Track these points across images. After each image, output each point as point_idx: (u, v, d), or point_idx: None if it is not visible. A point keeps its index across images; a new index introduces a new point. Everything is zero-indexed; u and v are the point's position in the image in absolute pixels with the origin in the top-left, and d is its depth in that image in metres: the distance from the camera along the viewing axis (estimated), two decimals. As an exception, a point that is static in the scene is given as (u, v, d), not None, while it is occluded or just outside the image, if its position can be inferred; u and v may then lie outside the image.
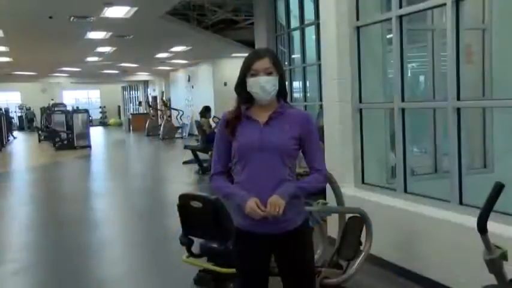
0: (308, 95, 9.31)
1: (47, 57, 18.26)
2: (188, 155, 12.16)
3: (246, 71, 2.38)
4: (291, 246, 2.41)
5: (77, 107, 24.62)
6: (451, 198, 3.96)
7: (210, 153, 10.80)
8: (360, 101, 5.01)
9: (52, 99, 31.51)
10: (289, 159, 2.38)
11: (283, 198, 2.29)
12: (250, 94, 2.39)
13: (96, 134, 25.30)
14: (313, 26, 8.34)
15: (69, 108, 22.38)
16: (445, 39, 4.05)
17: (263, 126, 2.39)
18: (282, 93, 2.43)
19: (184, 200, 3.57)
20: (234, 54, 17.10)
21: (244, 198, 2.31)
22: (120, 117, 35.95)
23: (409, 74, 6.09)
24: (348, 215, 4.07)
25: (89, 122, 20.18)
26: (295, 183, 2.38)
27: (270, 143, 2.35)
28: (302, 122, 2.40)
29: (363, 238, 3.97)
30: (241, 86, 2.41)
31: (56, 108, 21.43)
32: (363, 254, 3.96)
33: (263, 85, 2.34)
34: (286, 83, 9.47)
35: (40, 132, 23.56)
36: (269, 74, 2.36)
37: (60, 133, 18.84)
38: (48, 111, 23.43)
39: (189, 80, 23.53)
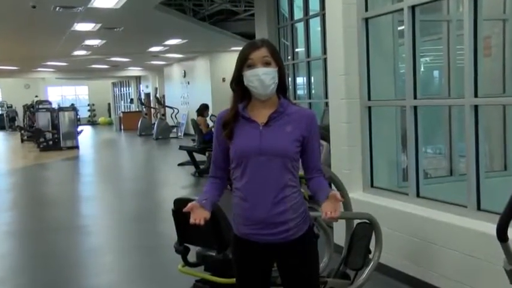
0: (313, 91, 9.32)
1: (30, 50, 18.26)
2: (184, 156, 12.17)
3: (242, 62, 2.37)
4: (294, 255, 2.41)
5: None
6: (468, 203, 3.96)
7: (207, 154, 10.81)
8: (369, 98, 5.00)
9: (36, 96, 31.54)
10: (291, 163, 2.37)
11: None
12: (247, 90, 2.39)
13: (85, 134, 25.31)
14: (318, 17, 8.35)
15: (54, 105, 22.37)
16: (461, 30, 4.05)
17: (263, 127, 2.37)
18: (282, 87, 2.42)
19: (180, 205, 3.57)
20: (233, 48, 17.11)
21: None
22: (110, 116, 35.98)
23: (422, 69, 6.09)
24: (355, 221, 4.07)
25: (77, 121, 20.19)
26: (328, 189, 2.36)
27: (270, 147, 2.33)
28: (306, 122, 2.39)
29: (372, 246, 3.97)
30: (237, 81, 2.40)
31: (40, 106, 21.43)
32: (372, 263, 3.95)
33: (262, 78, 2.32)
34: (289, 79, 9.40)
35: (23, 131, 23.59)
36: (267, 64, 2.34)
37: (45, 133, 18.85)
38: (31, 109, 23.45)
39: (184, 76, 23.55)
